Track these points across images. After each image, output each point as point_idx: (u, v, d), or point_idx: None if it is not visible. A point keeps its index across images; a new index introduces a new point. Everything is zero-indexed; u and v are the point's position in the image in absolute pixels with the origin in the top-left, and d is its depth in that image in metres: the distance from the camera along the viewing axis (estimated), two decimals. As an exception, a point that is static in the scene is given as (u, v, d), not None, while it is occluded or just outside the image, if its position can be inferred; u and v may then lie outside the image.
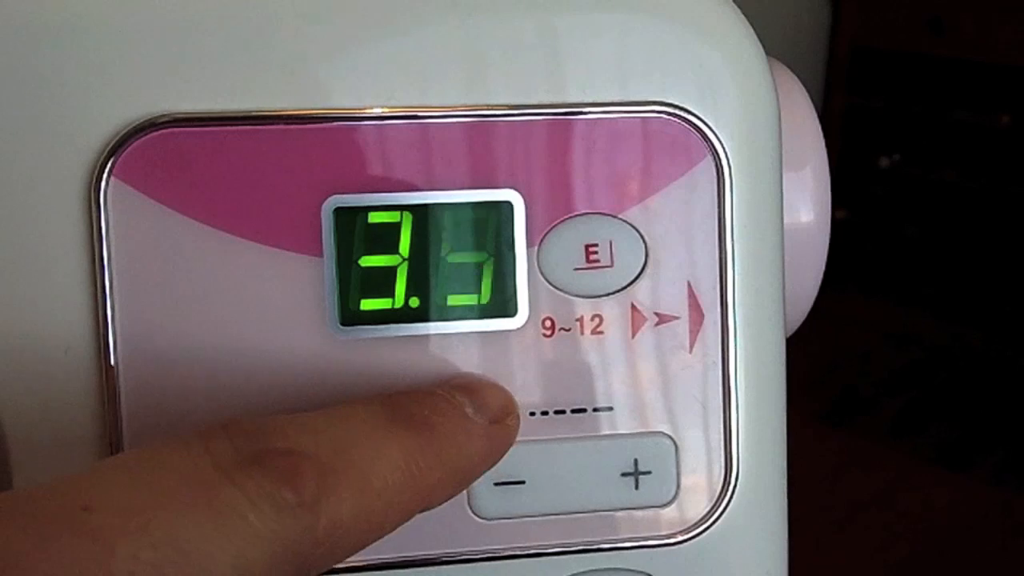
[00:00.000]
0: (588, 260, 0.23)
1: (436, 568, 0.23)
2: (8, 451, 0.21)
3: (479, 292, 0.23)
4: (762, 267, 0.24)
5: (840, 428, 1.66)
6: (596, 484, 0.23)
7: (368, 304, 0.22)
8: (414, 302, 0.22)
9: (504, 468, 0.23)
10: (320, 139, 0.22)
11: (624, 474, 0.24)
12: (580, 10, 0.22)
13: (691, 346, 0.23)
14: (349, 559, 0.23)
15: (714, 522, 0.24)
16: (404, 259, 0.22)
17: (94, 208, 0.21)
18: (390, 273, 0.22)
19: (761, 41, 0.24)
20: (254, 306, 0.22)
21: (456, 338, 0.23)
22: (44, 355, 0.21)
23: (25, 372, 0.21)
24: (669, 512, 0.24)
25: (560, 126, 0.23)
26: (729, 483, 0.24)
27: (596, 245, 0.23)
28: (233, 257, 0.22)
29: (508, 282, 0.23)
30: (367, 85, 0.22)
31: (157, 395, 0.22)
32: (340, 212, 0.22)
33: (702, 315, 0.23)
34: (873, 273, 2.00)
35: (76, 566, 0.15)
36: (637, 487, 0.24)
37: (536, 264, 0.23)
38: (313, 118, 0.22)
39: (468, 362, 0.23)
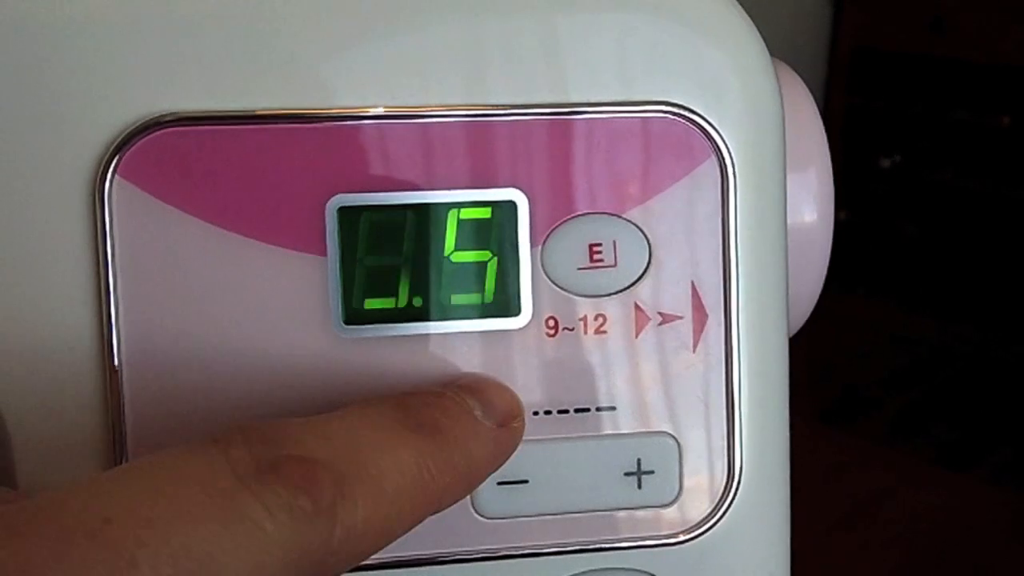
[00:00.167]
0: (592, 260, 0.23)
1: (439, 567, 0.23)
2: (12, 451, 0.21)
3: (482, 291, 0.23)
4: (766, 267, 0.24)
5: (840, 428, 1.66)
6: (599, 484, 0.23)
7: (372, 303, 0.22)
8: (417, 301, 0.22)
9: (507, 468, 0.23)
10: (324, 138, 0.22)
11: (627, 474, 0.24)
12: (582, 10, 0.22)
13: (694, 346, 0.23)
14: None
15: (717, 522, 0.24)
16: (407, 258, 0.22)
17: (98, 207, 0.21)
18: (394, 272, 0.22)
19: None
20: (258, 305, 0.22)
21: (459, 337, 0.23)
22: (48, 355, 0.21)
23: (29, 372, 0.21)
24: (672, 512, 0.24)
25: (563, 126, 0.23)
26: (732, 483, 0.24)
27: (600, 245, 0.23)
28: (237, 256, 0.22)
29: (511, 281, 0.23)
30: (370, 84, 0.22)
31: (161, 394, 0.22)
32: (344, 211, 0.22)
33: (705, 315, 0.23)
34: (874, 273, 2.00)
35: None
36: (640, 487, 0.24)
37: (539, 263, 0.23)
38: (317, 117, 0.22)
39: (471, 361, 0.23)
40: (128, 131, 0.21)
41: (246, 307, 0.22)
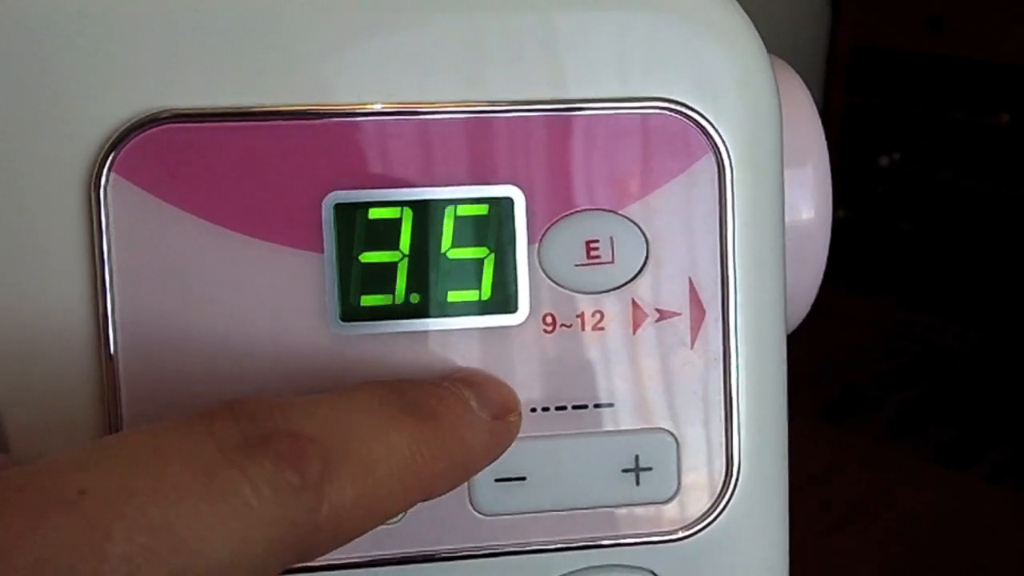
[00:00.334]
0: (589, 256, 0.23)
1: (437, 564, 0.23)
2: (8, 446, 0.21)
3: (480, 288, 0.23)
4: (763, 263, 0.24)
5: (839, 426, 1.66)
6: (597, 480, 0.23)
7: (368, 300, 0.22)
8: (414, 298, 0.22)
9: (505, 464, 0.23)
10: (320, 135, 0.22)
11: (625, 470, 0.24)
12: (581, 6, 0.22)
13: (692, 342, 0.23)
14: (351, 555, 0.23)
15: (715, 518, 0.24)
16: (405, 255, 0.22)
17: (94, 204, 0.21)
18: (391, 269, 0.22)
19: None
20: (254, 302, 0.22)
21: (457, 334, 0.23)
22: (44, 350, 0.21)
23: (25, 367, 0.21)
24: (670, 509, 0.24)
25: (560, 122, 0.22)
26: (730, 480, 0.24)
27: (597, 241, 0.23)
28: (233, 253, 0.22)
29: (509, 278, 0.23)
30: (368, 81, 0.22)
31: (157, 391, 0.22)
32: (340, 208, 0.22)
33: (703, 311, 0.23)
34: (873, 272, 2.00)
35: (70, 548, 0.15)
36: (638, 483, 0.24)
37: (537, 260, 0.23)
38: (313, 114, 0.22)
39: (469, 358, 0.23)
40: (124, 128, 0.21)
41: (243, 304, 0.22)
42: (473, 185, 0.22)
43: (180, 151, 0.21)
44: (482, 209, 0.22)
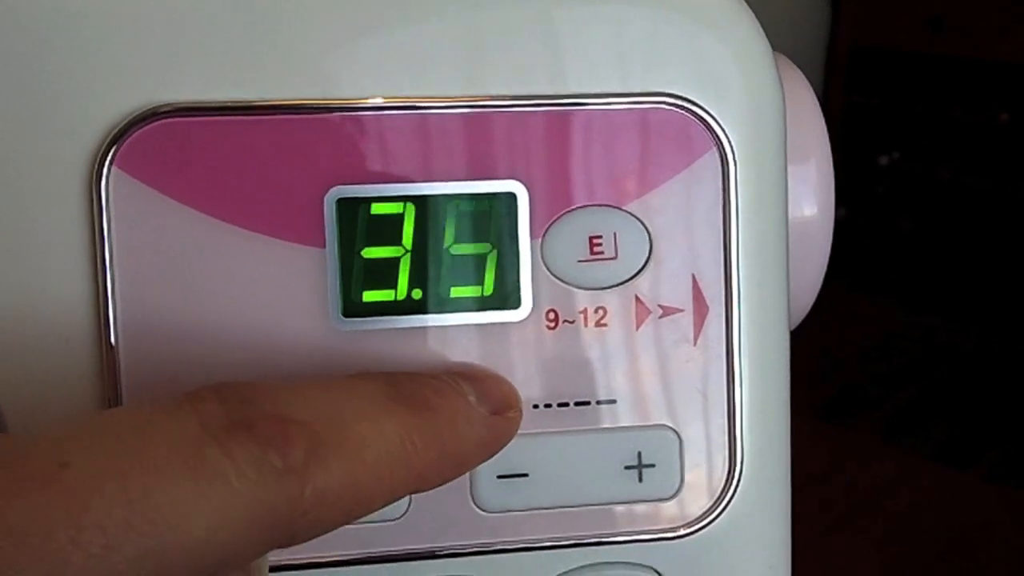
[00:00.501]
0: (592, 252, 0.23)
1: (439, 561, 0.23)
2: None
3: (482, 284, 0.23)
4: (767, 260, 0.24)
5: (839, 425, 1.66)
6: (599, 477, 0.23)
7: (370, 295, 0.22)
8: (417, 294, 0.22)
9: (507, 461, 0.23)
10: (323, 129, 0.22)
11: (627, 467, 0.23)
12: (582, 1, 0.22)
13: (695, 339, 0.23)
14: (352, 551, 0.23)
15: (718, 516, 0.24)
16: (407, 250, 0.22)
17: (95, 198, 0.21)
18: (393, 264, 0.22)
19: (761, 38, 0.24)
20: (256, 297, 0.22)
21: (459, 330, 0.23)
22: (45, 345, 0.21)
23: (26, 359, 0.21)
24: (672, 506, 0.24)
25: (563, 118, 0.22)
26: (733, 477, 0.24)
27: (600, 237, 0.23)
28: (235, 248, 0.22)
29: (511, 274, 0.23)
30: (370, 75, 0.22)
31: (158, 386, 0.22)
32: (342, 203, 0.22)
33: (706, 307, 0.23)
34: (872, 271, 2.00)
35: (46, 519, 0.15)
36: (641, 480, 0.24)
37: (539, 256, 0.23)
38: (316, 108, 0.22)
39: (470, 354, 0.23)
40: (125, 122, 0.21)
41: (244, 299, 0.22)
42: (476, 180, 0.22)
43: (181, 145, 0.21)
44: (484, 205, 0.22)
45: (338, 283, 0.22)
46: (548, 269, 0.23)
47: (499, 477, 0.23)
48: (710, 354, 0.24)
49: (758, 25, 0.23)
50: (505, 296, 0.23)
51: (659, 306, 0.23)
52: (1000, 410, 1.71)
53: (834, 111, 2.00)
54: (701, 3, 0.23)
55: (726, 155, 0.23)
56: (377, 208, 0.22)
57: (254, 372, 0.22)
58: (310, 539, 0.18)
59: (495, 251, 0.23)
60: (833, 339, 1.76)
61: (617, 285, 0.23)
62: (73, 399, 0.21)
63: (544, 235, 0.23)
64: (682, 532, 0.24)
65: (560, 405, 0.23)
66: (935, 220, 2.00)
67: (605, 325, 0.23)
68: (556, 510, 0.23)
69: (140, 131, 0.21)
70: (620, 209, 0.23)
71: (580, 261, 0.23)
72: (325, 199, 0.22)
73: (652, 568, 0.24)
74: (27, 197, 0.21)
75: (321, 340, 0.22)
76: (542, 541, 0.23)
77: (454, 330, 0.23)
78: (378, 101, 0.22)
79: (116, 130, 0.21)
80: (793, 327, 0.26)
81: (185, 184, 0.21)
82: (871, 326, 1.93)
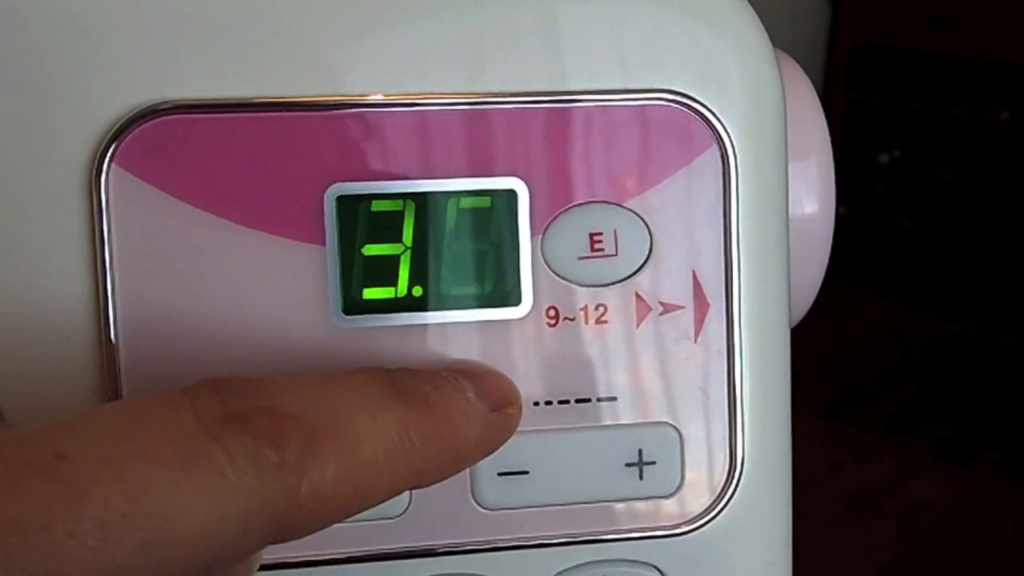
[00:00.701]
0: (592, 249, 0.23)
1: (439, 558, 0.23)
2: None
3: (482, 281, 0.23)
4: (767, 256, 0.24)
5: (839, 423, 1.66)
6: (600, 474, 0.23)
7: (371, 293, 0.22)
8: (417, 291, 0.22)
9: (508, 458, 0.23)
10: (323, 127, 0.22)
11: (628, 464, 0.23)
12: None
13: (696, 336, 0.23)
14: (353, 548, 0.23)
15: (718, 513, 0.24)
16: (407, 247, 0.22)
17: (95, 195, 0.21)
18: (393, 262, 0.22)
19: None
20: (256, 295, 0.22)
21: (459, 327, 0.23)
22: (45, 343, 0.21)
23: (26, 355, 0.21)
24: (673, 503, 0.24)
25: (563, 114, 0.22)
26: (733, 474, 0.24)
27: (600, 234, 0.23)
28: (235, 245, 0.22)
29: (512, 271, 0.23)
30: (370, 72, 0.22)
31: (158, 384, 0.22)
32: (343, 200, 0.22)
33: (707, 304, 0.23)
34: (872, 269, 2.00)
35: (44, 510, 0.15)
36: (641, 477, 0.24)
37: (540, 253, 0.23)
38: (316, 105, 0.21)
39: (471, 351, 0.23)
40: (125, 119, 0.21)
41: (244, 296, 0.22)
42: (476, 177, 0.22)
43: (181, 142, 0.21)
44: (485, 201, 0.22)
45: (338, 280, 0.22)
46: (548, 266, 0.23)
47: (500, 474, 0.23)
48: (711, 351, 0.23)
49: (759, 21, 0.23)
50: (505, 293, 0.23)
51: (660, 303, 0.23)
52: (1001, 408, 1.71)
53: (834, 109, 2.00)
54: (702, 0, 0.23)
55: (727, 152, 0.23)
56: (377, 205, 0.22)
57: (254, 369, 0.22)
58: (308, 534, 0.18)
59: (495, 248, 0.23)
60: (833, 337, 1.76)
61: (617, 282, 0.23)
62: (73, 396, 0.21)
63: (544, 232, 0.23)
64: (683, 529, 0.24)
65: (561, 402, 0.23)
66: (935, 218, 2.00)
67: (606, 322, 0.23)
68: (557, 507, 0.23)
69: (140, 128, 0.21)
70: (620, 206, 0.23)
71: (580, 258, 0.23)
72: (325, 196, 0.22)
73: (653, 565, 0.24)
74: (27, 194, 0.21)
75: (321, 337, 0.22)
76: (543, 538, 0.23)
77: (454, 327, 0.23)
78: (378, 98, 0.22)
79: (116, 127, 0.21)
80: (793, 325, 0.26)
81: (185, 181, 0.21)
82: (871, 324, 1.93)
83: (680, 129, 0.23)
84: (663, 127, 0.23)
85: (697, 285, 0.23)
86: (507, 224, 0.22)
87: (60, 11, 0.21)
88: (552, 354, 0.23)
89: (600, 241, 0.23)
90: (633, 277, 0.23)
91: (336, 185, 0.22)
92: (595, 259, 0.23)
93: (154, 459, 0.16)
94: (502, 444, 0.22)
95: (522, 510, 0.23)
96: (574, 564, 0.24)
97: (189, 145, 0.21)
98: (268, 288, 0.22)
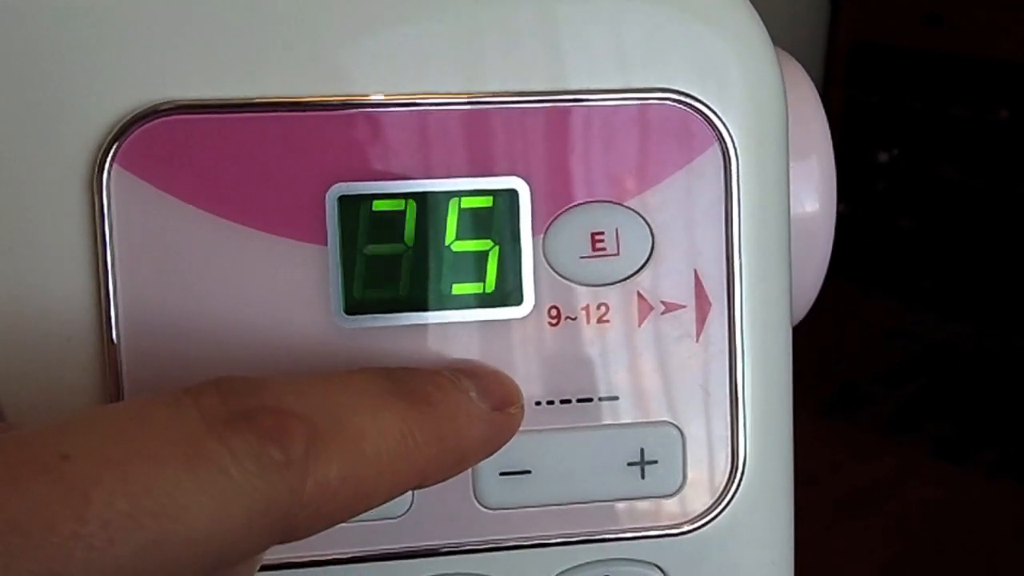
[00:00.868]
0: (594, 248, 0.23)
1: (441, 558, 0.23)
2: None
3: (484, 281, 0.23)
4: (769, 255, 0.24)
5: (838, 422, 1.66)
6: (602, 474, 0.23)
7: (372, 292, 0.22)
8: (418, 291, 0.22)
9: (510, 458, 0.23)
10: (324, 127, 0.22)
11: (630, 464, 0.23)
12: None
13: (697, 335, 0.23)
14: (354, 548, 0.23)
15: (720, 512, 0.24)
16: (409, 247, 0.22)
17: (97, 196, 0.21)
18: (395, 261, 0.22)
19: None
20: (258, 295, 0.22)
21: (461, 327, 0.23)
22: (47, 343, 0.21)
23: (27, 355, 0.21)
24: (675, 502, 0.24)
25: (564, 114, 0.22)
26: (735, 473, 0.24)
27: (602, 233, 0.23)
28: (237, 245, 0.22)
29: (513, 271, 0.23)
30: (371, 72, 0.22)
31: (160, 384, 0.22)
32: (344, 200, 0.22)
33: (709, 303, 0.23)
34: (871, 268, 2.00)
35: (47, 511, 0.15)
36: (643, 477, 0.23)
37: (542, 252, 0.23)
38: (317, 105, 0.21)
39: (473, 351, 0.23)
40: (126, 119, 0.21)
41: (246, 297, 0.22)
42: (477, 177, 0.22)
43: (183, 143, 0.21)
44: (486, 201, 0.22)
45: (340, 280, 0.22)
46: (550, 266, 0.23)
47: (502, 474, 0.23)
48: (712, 350, 0.23)
49: (759, 20, 0.23)
50: (507, 293, 0.23)
51: (661, 302, 0.23)
52: (1000, 407, 1.72)
53: (834, 107, 2.00)
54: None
55: (728, 150, 0.23)
56: (379, 205, 0.22)
57: (256, 369, 0.22)
58: (311, 534, 0.18)
59: (497, 248, 0.23)
60: (833, 336, 1.76)
61: (619, 281, 0.23)
62: (74, 396, 0.21)
63: (546, 232, 0.23)
64: (685, 529, 0.24)
65: (562, 402, 0.23)
66: (934, 217, 2.00)
67: (607, 322, 0.23)
68: (559, 507, 0.23)
69: (141, 128, 0.21)
70: (622, 205, 0.23)
71: (582, 258, 0.23)
72: (327, 196, 0.22)
73: (655, 565, 0.24)
74: (29, 195, 0.21)
75: (323, 337, 0.22)
76: (545, 538, 0.23)
77: (456, 327, 0.23)
78: (379, 98, 0.22)
79: (117, 128, 0.21)
80: (796, 322, 0.26)
81: (186, 181, 0.21)
82: (871, 323, 1.93)
83: (681, 128, 0.23)
84: (664, 126, 0.23)
85: (699, 284, 0.23)
86: (508, 224, 0.22)
87: (61, 11, 0.21)
88: (554, 354, 0.23)
89: (602, 240, 0.23)
90: (635, 276, 0.23)
91: (338, 185, 0.22)
92: (597, 258, 0.23)
93: (157, 459, 0.16)
94: (504, 444, 0.22)
95: (524, 510, 0.23)
96: (576, 564, 0.24)
97: (190, 145, 0.21)
98: (270, 288, 0.22)
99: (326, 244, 0.22)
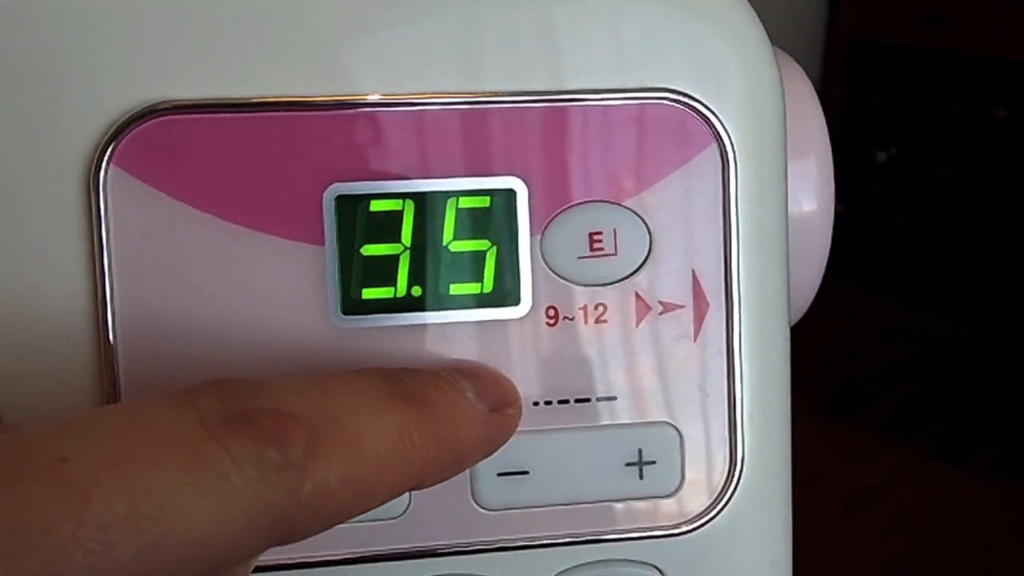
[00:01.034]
0: (592, 248, 0.23)
1: (439, 559, 0.23)
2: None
3: (482, 281, 0.23)
4: (767, 255, 0.24)
5: (837, 422, 1.66)
6: (600, 474, 0.23)
7: (370, 293, 0.22)
8: (416, 291, 0.22)
9: (507, 458, 0.23)
10: (321, 126, 0.22)
11: (628, 464, 0.23)
12: None
13: (695, 335, 0.23)
14: (352, 549, 0.23)
15: (719, 512, 0.24)
16: (406, 247, 0.22)
17: (93, 196, 0.21)
18: (392, 261, 0.22)
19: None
20: (255, 295, 0.22)
21: (458, 327, 0.23)
22: (43, 343, 0.21)
23: (24, 356, 0.21)
24: (673, 502, 0.24)
25: (562, 113, 0.22)
26: (734, 473, 0.24)
27: (600, 233, 0.23)
28: (234, 246, 0.21)
29: (511, 271, 0.23)
30: (368, 72, 0.22)
31: (157, 384, 0.21)
32: (342, 200, 0.22)
33: (707, 303, 0.23)
34: (870, 267, 2.00)
35: (45, 513, 0.15)
36: (641, 477, 0.23)
37: (539, 253, 0.23)
38: (314, 105, 0.21)
39: (470, 351, 0.23)
40: (123, 119, 0.21)
41: (243, 297, 0.22)
42: (475, 177, 0.22)
43: (179, 143, 0.21)
44: (484, 201, 0.22)
45: (337, 280, 0.22)
46: (548, 266, 0.23)
47: (499, 475, 0.23)
48: (710, 350, 0.23)
49: (757, 19, 0.23)
50: (505, 293, 0.23)
51: (659, 302, 0.23)
52: (999, 407, 1.72)
53: (831, 106, 2.00)
54: None
55: (726, 150, 0.23)
56: (376, 205, 0.22)
57: (253, 370, 0.22)
58: (310, 535, 0.18)
59: (494, 248, 0.22)
60: (831, 336, 1.76)
61: (617, 282, 0.23)
62: (72, 397, 0.21)
63: (544, 232, 0.23)
64: (683, 529, 0.24)
65: (560, 402, 0.23)
66: (932, 216, 2.00)
67: (605, 322, 0.23)
68: (557, 507, 0.23)
69: (138, 128, 0.21)
70: (620, 205, 0.23)
71: (580, 258, 0.23)
72: (324, 196, 0.22)
73: (653, 565, 0.24)
74: (25, 195, 0.21)
75: (320, 338, 0.22)
76: (543, 539, 0.23)
77: (453, 327, 0.23)
78: (376, 98, 0.22)
79: (114, 128, 0.21)
80: (794, 323, 0.26)
81: (183, 181, 0.21)
82: (869, 323, 1.93)
83: (679, 128, 0.23)
84: (662, 126, 0.23)
85: (697, 284, 0.23)
86: (506, 224, 0.22)
87: (58, 11, 0.21)
88: (551, 354, 0.23)
89: (599, 240, 0.23)
90: (632, 276, 0.23)
91: (335, 185, 0.22)
92: (594, 258, 0.23)
93: (156, 461, 0.16)
94: (502, 444, 0.22)
95: (522, 510, 0.23)
96: (574, 564, 0.24)
97: (187, 145, 0.21)
98: (267, 288, 0.22)
99: (323, 244, 0.22)
